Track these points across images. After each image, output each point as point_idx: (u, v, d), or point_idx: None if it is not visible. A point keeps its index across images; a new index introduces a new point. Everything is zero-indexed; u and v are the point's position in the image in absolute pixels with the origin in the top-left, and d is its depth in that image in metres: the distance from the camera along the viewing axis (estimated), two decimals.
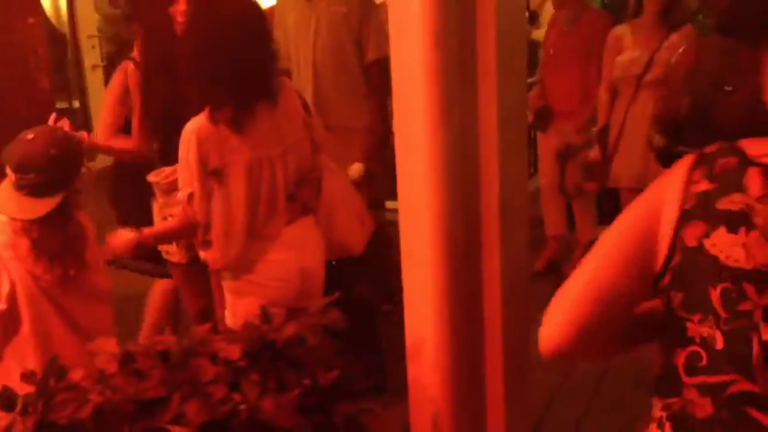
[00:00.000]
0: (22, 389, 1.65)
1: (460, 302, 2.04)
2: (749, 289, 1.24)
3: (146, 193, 3.08)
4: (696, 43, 3.92)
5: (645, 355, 1.51)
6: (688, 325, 1.31)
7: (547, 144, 4.87)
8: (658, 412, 1.39)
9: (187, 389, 1.56)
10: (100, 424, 1.54)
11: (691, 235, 1.27)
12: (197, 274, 2.99)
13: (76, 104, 8.16)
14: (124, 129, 3.31)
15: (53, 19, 7.95)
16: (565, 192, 4.79)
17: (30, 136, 2.39)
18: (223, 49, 2.44)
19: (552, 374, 3.34)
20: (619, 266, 1.34)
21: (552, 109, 4.81)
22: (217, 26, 2.46)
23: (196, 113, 2.48)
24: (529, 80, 5.36)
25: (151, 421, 1.54)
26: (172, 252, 3.14)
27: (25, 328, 2.41)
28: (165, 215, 3.01)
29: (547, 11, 6.91)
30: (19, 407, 1.60)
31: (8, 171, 2.36)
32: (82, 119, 8.06)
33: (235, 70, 2.44)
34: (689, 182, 1.30)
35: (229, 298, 2.67)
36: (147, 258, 3.00)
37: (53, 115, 2.73)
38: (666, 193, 1.33)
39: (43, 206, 2.35)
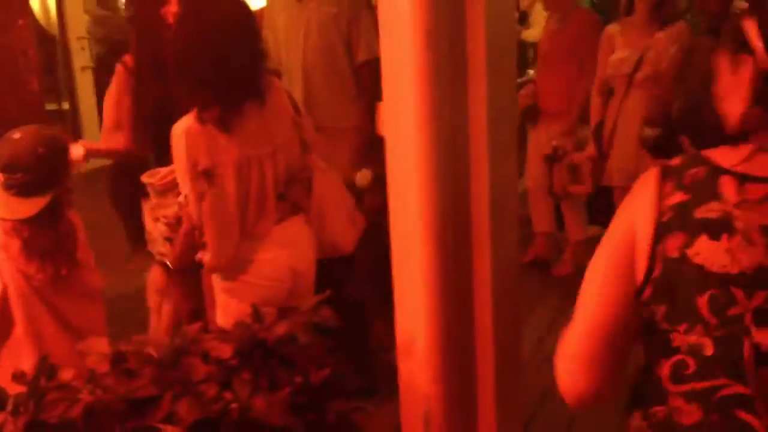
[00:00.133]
0: (15, 389, 1.65)
1: (450, 301, 2.04)
2: (738, 293, 1.25)
3: (146, 192, 3.08)
4: (689, 41, 3.94)
5: (638, 354, 1.52)
6: (673, 336, 1.31)
7: (537, 145, 4.88)
8: (638, 422, 1.39)
9: (179, 388, 1.56)
10: (91, 423, 1.53)
11: (673, 247, 1.29)
12: (190, 275, 2.98)
13: (66, 106, 8.14)
14: None
15: (42, 21, 7.93)
16: (554, 194, 4.79)
17: (17, 135, 2.39)
18: (210, 49, 2.45)
19: (544, 372, 3.33)
20: (618, 299, 1.35)
21: (541, 109, 4.82)
22: (205, 26, 2.47)
23: (186, 113, 2.49)
24: (519, 80, 5.37)
25: (142, 421, 1.54)
26: (165, 253, 3.13)
27: (18, 328, 2.40)
28: (158, 216, 3.01)
29: (537, 11, 6.93)
30: (10, 407, 1.59)
31: None
32: (72, 121, 8.04)
33: (222, 70, 2.45)
34: (661, 196, 1.32)
35: (220, 297, 2.67)
36: None
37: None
38: (637, 210, 1.34)
39: (32, 206, 2.35)
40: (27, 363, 2.28)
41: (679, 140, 1.64)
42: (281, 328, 1.71)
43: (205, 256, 2.60)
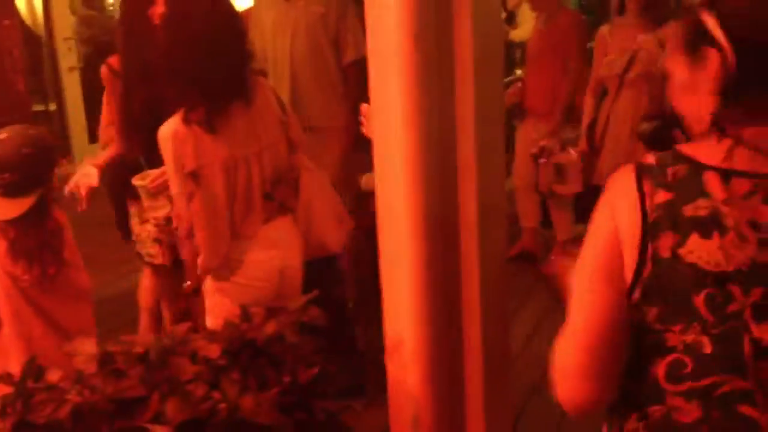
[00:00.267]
0: (2, 390, 1.64)
1: (439, 301, 2.05)
2: (735, 290, 1.24)
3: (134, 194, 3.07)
4: None
5: None
6: (667, 335, 1.30)
7: (524, 144, 4.89)
8: (632, 423, 1.37)
9: (167, 388, 1.56)
10: (79, 424, 1.53)
11: (664, 247, 1.27)
12: (179, 276, 2.98)
13: (53, 107, 8.10)
14: None
15: (29, 21, 7.89)
16: (540, 192, 4.81)
17: (2, 136, 2.38)
18: (196, 49, 2.45)
19: (533, 368, 3.34)
20: (610, 304, 1.32)
21: (528, 108, 4.84)
22: (191, 27, 2.47)
23: (173, 115, 2.48)
24: (506, 80, 5.39)
25: (130, 421, 1.53)
26: (154, 254, 3.13)
27: (6, 329, 2.39)
28: (148, 218, 3.01)
29: (524, 12, 6.95)
30: None
31: None
32: (59, 122, 8.00)
33: (208, 71, 2.45)
34: (643, 195, 1.29)
35: (208, 298, 2.67)
36: None
37: None
38: (618, 210, 1.31)
39: (18, 206, 2.34)
40: (15, 364, 2.27)
41: (672, 133, 1.64)
42: (270, 328, 1.71)
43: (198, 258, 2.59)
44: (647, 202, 1.29)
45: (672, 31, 1.40)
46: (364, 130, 2.26)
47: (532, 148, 4.70)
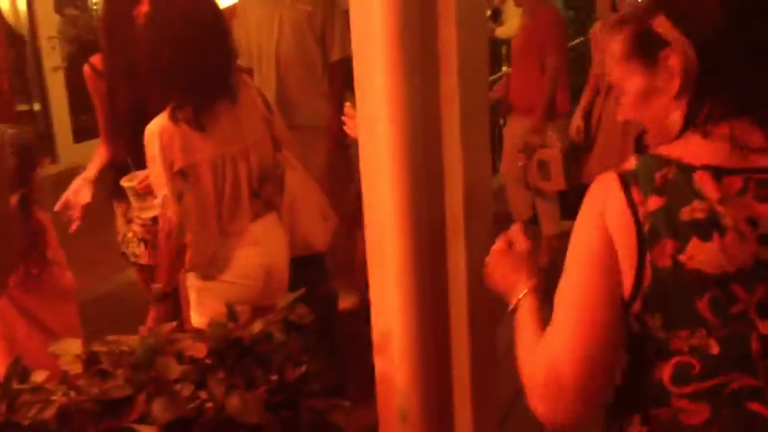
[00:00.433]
0: None
1: (426, 298, 2.04)
2: (738, 290, 1.23)
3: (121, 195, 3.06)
4: None
5: None
6: (672, 340, 1.28)
7: (511, 139, 4.91)
8: (636, 427, 1.36)
9: (153, 388, 1.55)
10: (65, 425, 1.52)
11: (663, 255, 1.24)
12: None
13: (37, 107, 8.06)
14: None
15: (11, 20, 7.84)
16: (528, 187, 4.83)
17: None
18: (180, 47, 2.44)
19: (517, 371, 3.33)
20: (606, 320, 1.29)
21: (512, 105, 4.86)
22: (175, 25, 2.46)
23: (159, 113, 2.48)
24: (492, 77, 5.40)
25: (116, 421, 1.53)
26: (140, 254, 3.12)
27: None
28: (132, 218, 3.00)
29: (510, 8, 6.97)
30: None
31: None
32: (43, 122, 7.96)
33: (193, 69, 2.45)
34: (633, 204, 1.26)
35: (194, 297, 2.66)
36: None
37: None
38: (610, 222, 1.28)
39: None
40: (0, 365, 2.26)
41: None
42: (256, 327, 1.70)
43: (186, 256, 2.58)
44: (639, 211, 1.25)
45: (614, 44, 1.37)
46: (347, 129, 2.26)
47: (518, 143, 4.73)
